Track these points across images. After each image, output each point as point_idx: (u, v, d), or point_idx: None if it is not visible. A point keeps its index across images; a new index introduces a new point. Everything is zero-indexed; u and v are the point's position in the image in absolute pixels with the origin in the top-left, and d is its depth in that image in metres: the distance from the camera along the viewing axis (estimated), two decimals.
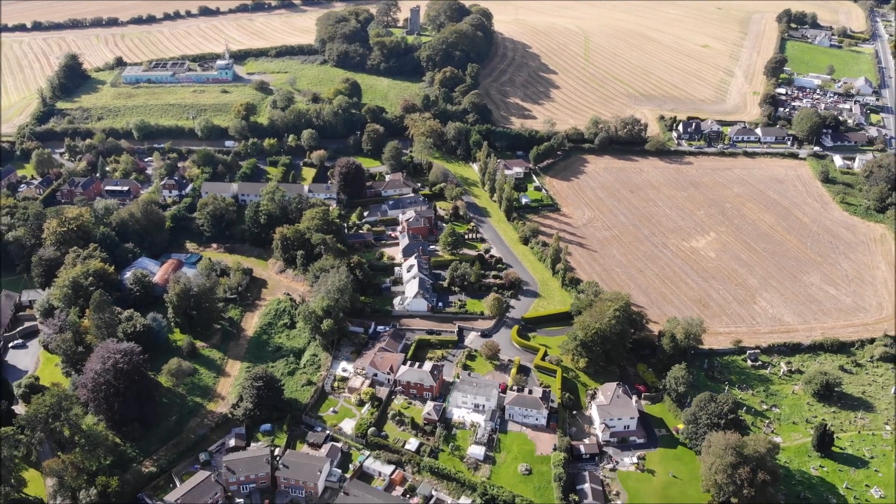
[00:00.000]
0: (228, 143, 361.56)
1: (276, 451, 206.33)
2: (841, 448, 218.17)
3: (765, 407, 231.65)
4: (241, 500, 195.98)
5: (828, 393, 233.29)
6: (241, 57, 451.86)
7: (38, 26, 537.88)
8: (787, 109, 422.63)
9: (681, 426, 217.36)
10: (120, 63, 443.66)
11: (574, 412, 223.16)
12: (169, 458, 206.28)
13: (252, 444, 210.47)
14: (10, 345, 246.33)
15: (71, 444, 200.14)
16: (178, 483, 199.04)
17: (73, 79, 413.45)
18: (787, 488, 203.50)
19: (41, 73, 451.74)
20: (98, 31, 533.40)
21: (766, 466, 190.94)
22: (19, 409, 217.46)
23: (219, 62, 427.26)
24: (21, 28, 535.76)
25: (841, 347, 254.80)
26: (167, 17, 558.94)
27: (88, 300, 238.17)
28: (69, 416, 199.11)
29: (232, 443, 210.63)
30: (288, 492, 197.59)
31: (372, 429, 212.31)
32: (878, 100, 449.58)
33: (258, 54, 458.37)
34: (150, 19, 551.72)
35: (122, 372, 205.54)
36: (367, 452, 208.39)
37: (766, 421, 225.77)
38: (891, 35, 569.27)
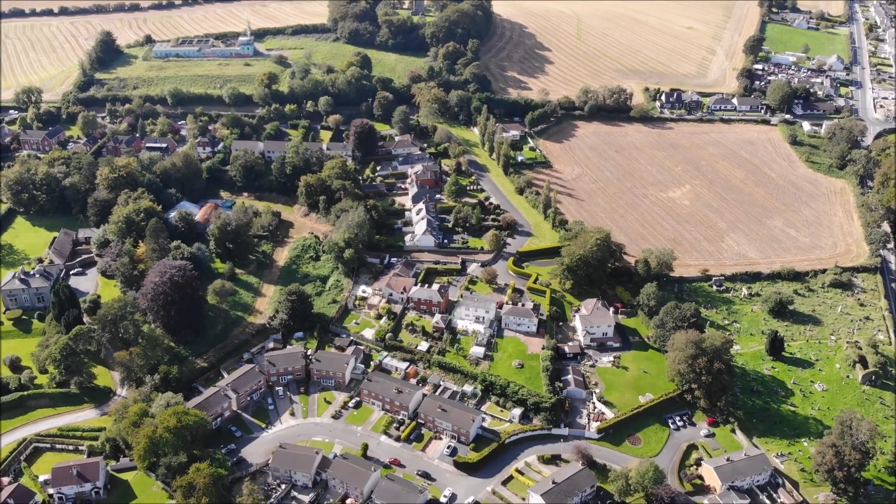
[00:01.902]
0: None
1: (309, 352, 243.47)
2: (791, 353, 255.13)
3: (726, 322, 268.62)
4: (280, 388, 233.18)
5: (782, 310, 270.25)
6: (259, 35, 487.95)
7: (64, 11, 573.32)
8: (763, 82, 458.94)
9: (651, 333, 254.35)
10: (149, 40, 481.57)
11: (560, 323, 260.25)
12: (217, 357, 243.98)
13: (287, 347, 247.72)
14: (72, 272, 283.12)
15: (134, 344, 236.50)
16: (225, 376, 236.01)
17: (109, 53, 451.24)
18: (742, 384, 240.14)
19: (72, 52, 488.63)
20: (121, 15, 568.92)
21: (721, 357, 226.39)
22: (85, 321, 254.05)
23: (241, 38, 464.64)
24: (49, 13, 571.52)
25: (797, 276, 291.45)
26: (185, 2, 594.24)
27: (140, 234, 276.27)
28: (132, 318, 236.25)
29: (271, 345, 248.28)
30: (320, 382, 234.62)
31: (389, 335, 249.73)
32: (848, 75, 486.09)
33: (276, 32, 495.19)
34: (170, 5, 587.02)
35: (177, 284, 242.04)
36: (386, 353, 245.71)
37: (727, 333, 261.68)
38: (867, 18, 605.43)
